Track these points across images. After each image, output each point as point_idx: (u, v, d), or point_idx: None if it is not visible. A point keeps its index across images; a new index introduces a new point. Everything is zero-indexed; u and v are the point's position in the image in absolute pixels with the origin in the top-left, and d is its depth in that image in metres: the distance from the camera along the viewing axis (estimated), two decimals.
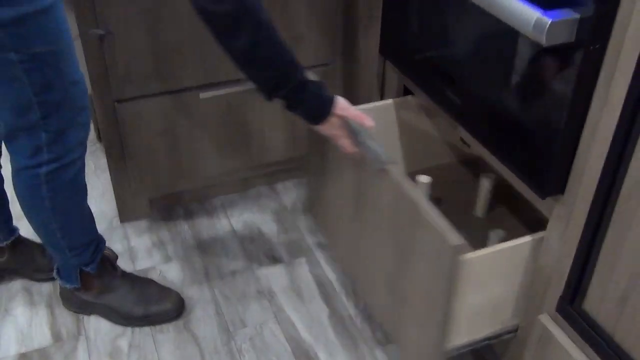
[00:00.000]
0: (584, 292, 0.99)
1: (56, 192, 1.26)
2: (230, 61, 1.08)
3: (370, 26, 1.51)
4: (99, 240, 1.42)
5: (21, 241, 1.55)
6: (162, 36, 1.47)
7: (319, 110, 1.15)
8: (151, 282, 1.51)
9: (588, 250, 0.96)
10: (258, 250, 1.67)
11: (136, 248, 1.68)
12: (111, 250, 1.51)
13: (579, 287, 1.00)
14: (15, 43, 1.06)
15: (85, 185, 1.34)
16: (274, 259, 1.65)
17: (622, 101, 0.84)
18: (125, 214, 1.75)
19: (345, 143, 1.18)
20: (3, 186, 1.46)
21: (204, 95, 1.58)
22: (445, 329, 1.09)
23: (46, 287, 1.56)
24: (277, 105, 1.38)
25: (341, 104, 1.15)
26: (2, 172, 1.44)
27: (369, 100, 1.57)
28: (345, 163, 1.29)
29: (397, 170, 1.14)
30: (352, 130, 1.16)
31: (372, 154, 1.15)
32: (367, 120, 1.17)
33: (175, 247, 1.68)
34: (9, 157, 1.26)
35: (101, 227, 1.70)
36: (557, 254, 1.04)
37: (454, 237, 1.00)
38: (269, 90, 1.11)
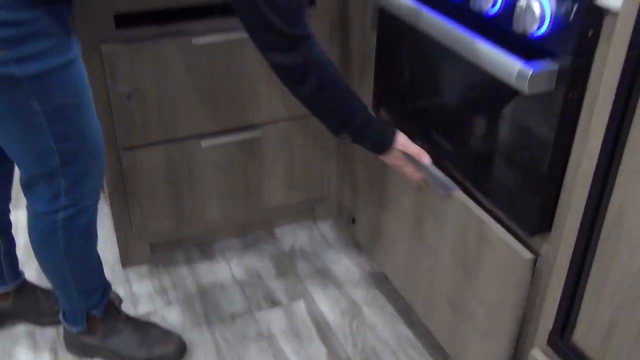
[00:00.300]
0: (572, 325, 1.04)
1: (71, 237, 1.31)
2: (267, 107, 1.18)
3: (364, 77, 1.59)
4: (106, 285, 1.46)
5: (26, 285, 1.59)
6: (168, 87, 1.54)
7: (383, 144, 1.26)
8: (154, 325, 1.54)
9: (575, 284, 1.01)
10: (257, 294, 1.71)
11: (138, 292, 1.71)
12: (116, 294, 1.54)
13: (567, 321, 1.04)
14: (40, 95, 1.12)
15: (96, 231, 1.39)
16: (273, 302, 1.69)
17: (599, 145, 0.91)
18: (127, 259, 1.79)
19: (409, 171, 1.30)
20: (11, 231, 1.50)
21: (205, 143, 1.65)
22: (515, 340, 1.19)
23: (49, 332, 1.59)
24: (275, 153, 1.45)
25: (402, 141, 1.27)
26: (11, 217, 1.48)
27: None
28: (403, 192, 1.42)
29: (459, 193, 1.25)
30: (415, 160, 1.27)
31: (438, 181, 1.26)
32: (425, 157, 1.28)
33: (176, 291, 1.72)
34: (17, 203, 1.31)
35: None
36: (546, 288, 1.10)
37: (526, 252, 1.10)
38: (337, 128, 1.24)
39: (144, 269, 1.80)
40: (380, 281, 1.75)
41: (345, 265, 1.81)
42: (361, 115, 1.23)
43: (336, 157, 1.85)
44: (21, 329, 1.60)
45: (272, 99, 1.66)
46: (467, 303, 1.28)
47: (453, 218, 1.27)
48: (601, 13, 0.90)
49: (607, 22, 0.90)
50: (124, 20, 1.46)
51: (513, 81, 0.97)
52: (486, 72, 1.04)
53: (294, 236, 1.92)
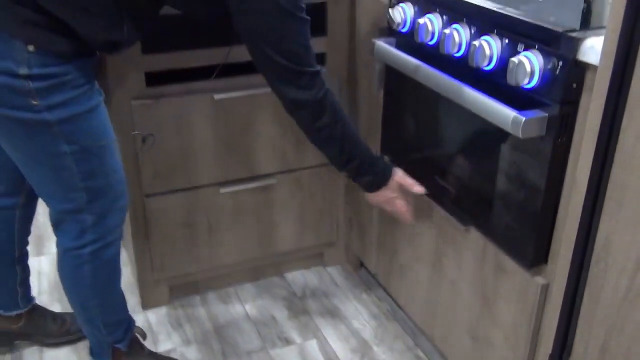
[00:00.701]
0: (570, 349, 1.14)
1: (97, 271, 1.41)
2: (304, 143, 1.35)
3: (372, 128, 1.72)
4: (130, 319, 1.55)
5: (37, 309, 1.70)
6: (190, 139, 1.67)
7: (382, 180, 1.42)
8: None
9: (570, 310, 1.12)
10: (271, 333, 1.80)
11: (157, 332, 1.80)
12: (140, 329, 1.63)
13: (565, 345, 1.14)
14: (68, 137, 1.25)
15: (120, 267, 1.49)
16: (287, 341, 1.77)
17: (586, 182, 1.03)
18: (147, 301, 1.88)
19: (399, 204, 1.44)
20: (27, 261, 1.62)
21: (223, 190, 1.77)
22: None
23: (55, 353, 1.68)
24: (287, 200, 1.57)
25: (399, 173, 1.44)
26: (29, 248, 1.61)
27: None
28: (421, 230, 1.56)
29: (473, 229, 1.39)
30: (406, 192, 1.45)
31: None
32: (418, 187, 1.44)
33: (194, 330, 1.80)
34: (40, 250, 1.42)
35: None
36: (544, 315, 1.20)
37: (540, 278, 1.22)
38: (344, 162, 1.38)
39: (163, 310, 1.89)
40: (388, 320, 1.84)
41: (354, 306, 1.91)
42: (365, 149, 1.39)
43: (344, 204, 1.97)
44: (29, 352, 1.69)
45: (285, 150, 1.79)
46: (486, 330, 1.38)
47: (470, 251, 1.39)
48: (583, 68, 1.04)
49: (588, 75, 1.04)
50: (153, 79, 1.60)
51: (509, 128, 1.10)
52: (484, 120, 1.17)
53: (305, 280, 2.02)
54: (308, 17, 1.25)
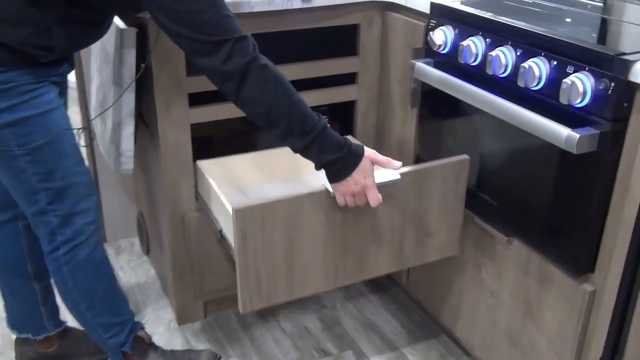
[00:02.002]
0: (622, 351, 1.20)
1: (76, 272, 1.45)
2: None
3: (406, 144, 1.79)
4: (133, 322, 1.59)
5: (69, 331, 1.73)
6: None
7: (353, 159, 1.28)
8: (186, 351, 1.68)
9: (622, 316, 1.19)
10: (308, 346, 1.84)
11: (195, 347, 1.83)
12: (146, 334, 1.65)
13: (617, 348, 1.21)
14: (18, 140, 1.31)
15: (106, 263, 1.51)
16: (324, 352, 1.82)
17: None
18: (183, 317, 1.91)
19: (374, 193, 1.30)
20: (49, 280, 1.63)
21: None
22: None
23: None
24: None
25: (371, 150, 1.32)
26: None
27: None
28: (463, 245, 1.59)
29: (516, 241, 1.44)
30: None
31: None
32: (394, 162, 1.35)
33: (232, 345, 1.84)
34: None
35: (160, 330, 1.87)
36: (591, 320, 1.27)
37: (587, 285, 1.27)
38: (295, 141, 1.26)
39: (198, 325, 1.92)
40: (420, 330, 1.90)
41: (385, 316, 1.96)
42: (321, 125, 1.25)
43: None
44: None
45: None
46: (529, 336, 1.45)
47: (512, 262, 1.46)
48: (634, 88, 1.12)
49: (638, 96, 1.12)
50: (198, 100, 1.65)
51: (562, 144, 1.17)
52: (531, 136, 1.24)
53: (333, 292, 2.07)
54: None
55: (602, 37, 1.38)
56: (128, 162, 1.70)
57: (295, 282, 1.39)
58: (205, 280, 1.85)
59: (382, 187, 1.34)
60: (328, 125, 1.29)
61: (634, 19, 1.44)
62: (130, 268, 2.20)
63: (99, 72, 1.82)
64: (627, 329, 1.19)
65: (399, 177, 1.37)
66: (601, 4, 1.57)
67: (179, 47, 1.26)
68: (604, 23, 1.47)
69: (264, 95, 1.23)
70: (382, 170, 1.37)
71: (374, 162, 1.32)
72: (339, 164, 1.28)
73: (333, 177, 1.30)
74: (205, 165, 1.71)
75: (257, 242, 1.31)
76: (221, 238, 1.59)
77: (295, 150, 1.29)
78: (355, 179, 1.28)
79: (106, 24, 1.46)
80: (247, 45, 1.22)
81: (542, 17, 1.44)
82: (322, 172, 1.31)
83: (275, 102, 1.24)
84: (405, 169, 1.39)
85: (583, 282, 1.30)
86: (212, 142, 1.89)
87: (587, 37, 1.28)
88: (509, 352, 1.53)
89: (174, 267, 1.83)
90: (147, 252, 2.24)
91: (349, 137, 1.36)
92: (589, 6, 1.56)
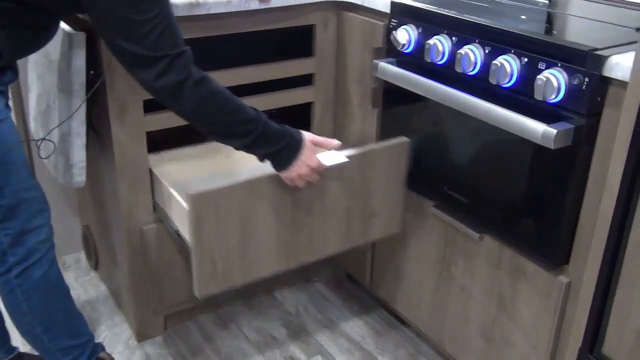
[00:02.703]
0: (602, 340, 1.23)
1: (30, 293, 1.36)
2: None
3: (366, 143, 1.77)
4: (93, 343, 1.52)
5: (21, 357, 1.61)
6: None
7: (296, 146, 1.30)
8: None
9: (602, 304, 1.21)
10: (276, 354, 1.80)
11: None
12: (109, 355, 1.59)
13: (597, 336, 1.24)
14: None
15: (62, 283, 1.44)
16: (292, 359, 1.79)
17: (617, 188, 1.13)
18: (143, 333, 1.83)
19: (321, 169, 1.35)
20: None
21: None
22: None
23: None
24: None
25: (309, 134, 1.34)
26: None
27: None
28: (427, 242, 1.61)
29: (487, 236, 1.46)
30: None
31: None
32: (333, 141, 1.39)
33: (196, 358, 1.78)
34: None
35: (119, 348, 1.79)
36: (567, 310, 1.29)
37: (562, 277, 1.28)
38: (239, 142, 1.26)
39: (159, 340, 1.84)
40: (386, 330, 1.89)
41: (349, 318, 1.95)
42: (262, 122, 1.26)
43: None
44: None
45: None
46: (503, 331, 1.46)
47: (483, 258, 1.47)
48: (607, 82, 1.14)
49: (611, 89, 1.14)
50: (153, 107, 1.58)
51: (539, 140, 1.19)
52: (504, 132, 1.26)
53: (295, 297, 2.04)
54: None
55: (566, 33, 1.42)
56: (80, 175, 1.61)
57: (249, 265, 1.42)
58: (164, 293, 1.78)
59: (330, 170, 1.40)
60: (267, 119, 1.29)
61: (586, 14, 1.48)
62: (79, 285, 2.08)
63: (40, 80, 1.72)
64: (606, 318, 1.22)
65: (347, 159, 1.41)
66: (547, 1, 1.60)
67: None
68: (560, 19, 1.50)
69: (200, 110, 1.23)
70: (329, 153, 1.41)
71: (314, 144, 1.35)
72: (283, 152, 1.30)
73: (279, 166, 1.32)
74: (158, 167, 1.64)
75: (212, 227, 1.33)
76: (179, 238, 1.55)
77: (238, 149, 1.29)
78: (300, 163, 1.32)
79: (53, 28, 1.37)
80: (183, 62, 1.19)
81: (498, 14, 1.46)
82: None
83: (212, 117, 1.24)
84: (351, 152, 1.45)
85: (558, 274, 1.32)
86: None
87: (553, 33, 1.30)
88: (482, 347, 1.54)
89: (132, 282, 1.74)
90: (95, 267, 2.13)
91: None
92: (540, 4, 1.60)
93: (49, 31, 1.36)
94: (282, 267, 1.47)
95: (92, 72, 1.54)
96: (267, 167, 1.35)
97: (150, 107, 1.57)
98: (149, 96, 1.54)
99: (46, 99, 1.68)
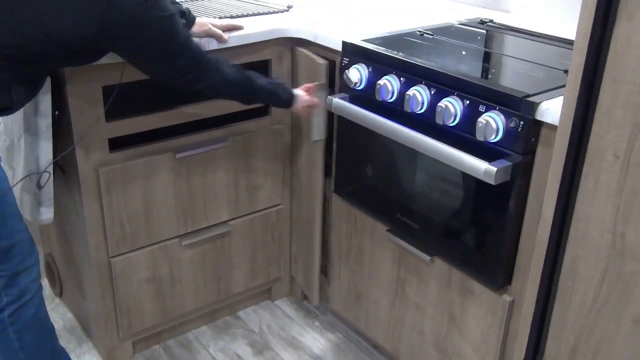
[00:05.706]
0: (542, 351, 1.37)
1: (22, 331, 1.42)
2: None
3: (314, 171, 1.88)
4: None
5: None
6: (153, 196, 1.73)
7: (289, 93, 1.65)
8: None
9: (541, 320, 1.35)
10: None
11: None
12: None
13: (537, 349, 1.38)
14: None
15: (49, 320, 1.50)
16: None
17: (551, 217, 1.27)
18: (112, 359, 1.89)
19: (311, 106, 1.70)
20: None
21: (185, 242, 1.84)
22: None
23: None
24: (241, 243, 1.71)
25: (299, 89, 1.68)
26: None
27: None
28: (382, 263, 1.74)
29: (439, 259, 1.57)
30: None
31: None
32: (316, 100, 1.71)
33: None
34: None
35: None
36: (511, 326, 1.43)
37: (506, 296, 1.40)
38: (248, 101, 1.63)
39: None
40: (345, 344, 2.01)
41: (310, 334, 2.05)
42: (264, 85, 1.59)
43: (290, 242, 2.11)
44: None
45: (238, 196, 1.90)
46: (455, 344, 1.59)
47: (435, 278, 1.59)
48: (539, 125, 1.28)
49: (544, 130, 1.28)
50: (117, 144, 1.64)
51: (481, 176, 1.32)
52: (450, 167, 1.38)
53: (258, 316, 2.13)
54: (173, 13, 1.36)
55: (502, 76, 1.55)
56: (49, 212, 1.66)
57: (153, 229, 1.77)
58: (132, 320, 1.84)
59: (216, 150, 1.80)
60: (260, 83, 1.60)
61: (520, 54, 1.62)
62: None
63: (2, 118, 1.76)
64: (545, 332, 1.36)
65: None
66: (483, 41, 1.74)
67: (98, 93, 1.52)
68: (496, 60, 1.64)
69: (219, 95, 1.63)
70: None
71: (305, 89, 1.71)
72: (288, 94, 1.65)
73: (289, 101, 1.66)
74: None
75: (119, 196, 1.66)
76: None
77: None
78: (301, 94, 1.68)
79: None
80: (207, 71, 1.47)
81: (440, 53, 1.58)
82: None
83: (229, 97, 1.62)
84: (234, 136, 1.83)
85: (502, 294, 1.46)
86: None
87: (490, 76, 1.43)
88: (436, 359, 1.67)
89: (100, 311, 1.80)
90: (60, 294, 2.17)
91: None
92: (478, 37, 1.73)
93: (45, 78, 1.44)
94: (181, 231, 1.82)
95: (56, 112, 1.59)
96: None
97: (114, 145, 1.64)
98: (114, 134, 1.63)
99: (9, 136, 1.72)
